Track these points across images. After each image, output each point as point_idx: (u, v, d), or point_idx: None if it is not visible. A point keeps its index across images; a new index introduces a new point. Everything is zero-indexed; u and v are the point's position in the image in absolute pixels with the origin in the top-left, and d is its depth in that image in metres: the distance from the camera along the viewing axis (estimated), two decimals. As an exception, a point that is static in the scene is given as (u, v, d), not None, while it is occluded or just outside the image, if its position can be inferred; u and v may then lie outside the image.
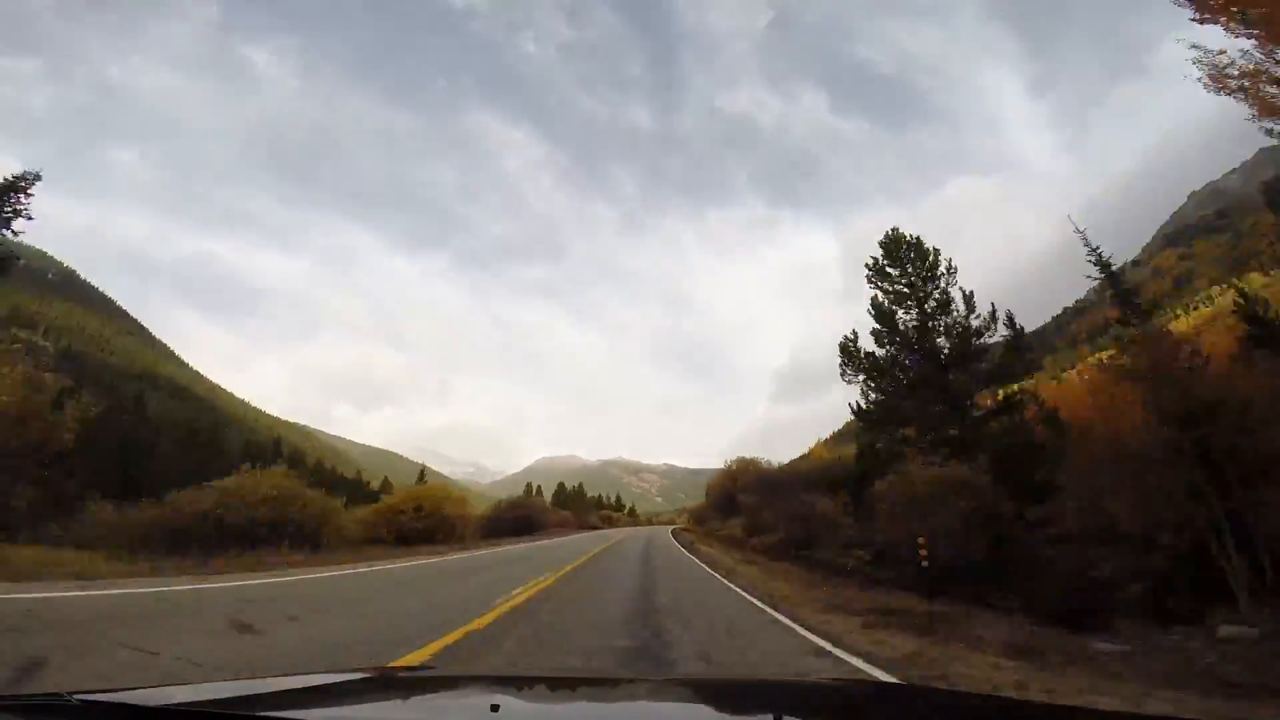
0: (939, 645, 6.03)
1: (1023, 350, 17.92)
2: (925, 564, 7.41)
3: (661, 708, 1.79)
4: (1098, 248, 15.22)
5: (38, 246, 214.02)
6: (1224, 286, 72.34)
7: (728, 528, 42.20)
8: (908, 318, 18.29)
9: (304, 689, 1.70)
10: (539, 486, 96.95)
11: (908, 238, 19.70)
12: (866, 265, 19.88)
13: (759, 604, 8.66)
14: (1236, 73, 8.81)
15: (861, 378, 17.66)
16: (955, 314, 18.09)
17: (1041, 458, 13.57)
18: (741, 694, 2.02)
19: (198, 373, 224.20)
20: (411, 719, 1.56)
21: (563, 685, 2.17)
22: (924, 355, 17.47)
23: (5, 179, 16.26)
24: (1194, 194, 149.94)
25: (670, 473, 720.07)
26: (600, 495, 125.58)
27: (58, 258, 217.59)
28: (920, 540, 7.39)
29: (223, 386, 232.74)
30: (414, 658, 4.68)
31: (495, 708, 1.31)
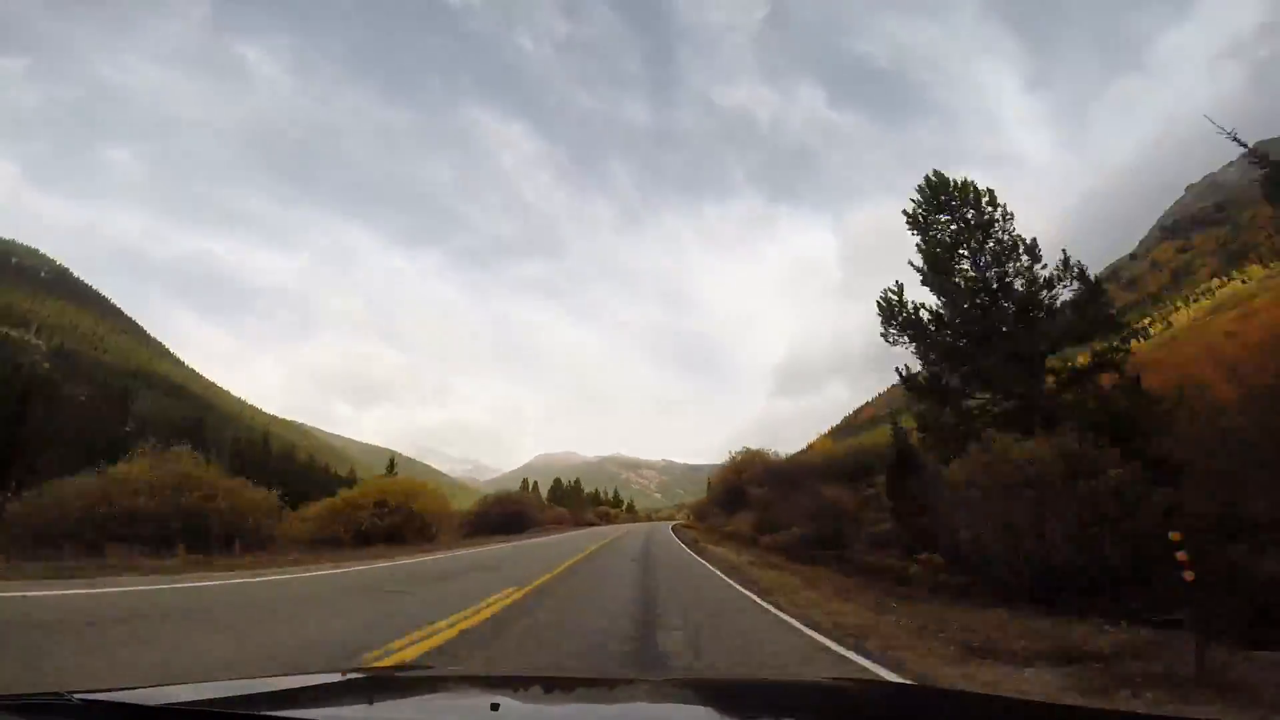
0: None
1: (1105, 302, 14.60)
2: (1187, 576, 3.99)
3: (661, 708, 1.78)
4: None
5: (30, 245, 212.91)
6: (1224, 279, 70.10)
7: (733, 524, 39.30)
8: (961, 269, 15.05)
9: (304, 688, 1.72)
10: (534, 483, 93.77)
11: (953, 181, 16.47)
12: (905, 213, 16.70)
13: (838, 648, 5.28)
14: None
15: (908, 338, 14.33)
16: (1019, 262, 14.86)
17: (1156, 427, 10.37)
18: (741, 694, 2.02)
19: (194, 371, 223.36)
20: (411, 719, 1.53)
21: (562, 685, 2.13)
22: (986, 310, 14.20)
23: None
24: (1192, 186, 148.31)
25: (669, 468, 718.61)
26: (598, 491, 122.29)
27: (51, 256, 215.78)
28: (1175, 538, 4.08)
29: (219, 384, 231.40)
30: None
31: (495, 707, 1.30)
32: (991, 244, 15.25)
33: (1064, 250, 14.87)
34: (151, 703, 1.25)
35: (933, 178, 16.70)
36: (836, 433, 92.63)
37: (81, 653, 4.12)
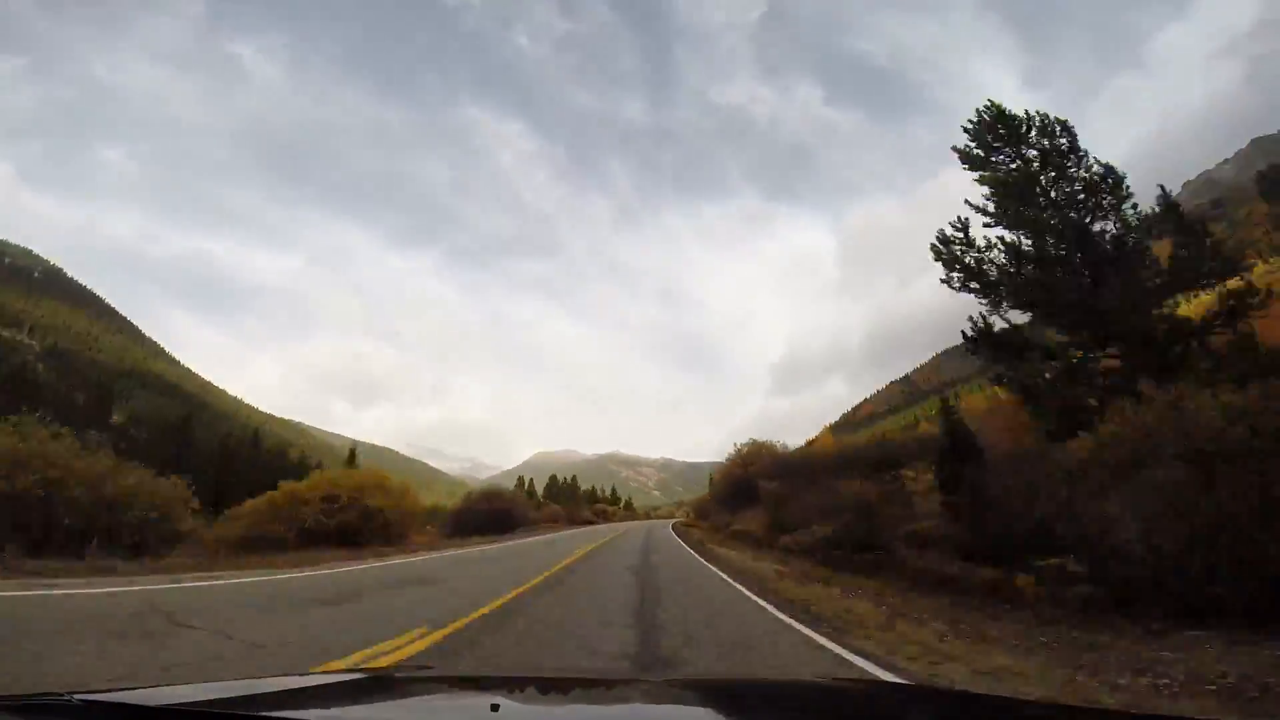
0: None
1: (1210, 243, 11.49)
2: None
3: (661, 709, 1.76)
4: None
5: (24, 245, 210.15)
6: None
7: (739, 522, 36.22)
8: (1029, 212, 11.95)
9: (304, 689, 1.70)
10: (530, 480, 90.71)
11: (1012, 113, 13.35)
12: (955, 148, 13.69)
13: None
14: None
15: (975, 286, 11.16)
16: (1104, 200, 11.79)
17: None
18: (741, 694, 1.97)
19: (188, 370, 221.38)
20: (411, 719, 1.52)
21: (562, 686, 2.09)
22: (1071, 251, 11.10)
23: None
24: (1188, 184, 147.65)
25: (667, 466, 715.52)
26: (595, 488, 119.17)
27: (44, 256, 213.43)
28: None
29: (215, 383, 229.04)
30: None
31: (495, 707, 1.27)
32: (1067, 182, 12.18)
33: (1161, 185, 11.81)
34: (152, 703, 1.24)
35: (987, 109, 13.60)
36: (837, 429, 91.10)
37: None
